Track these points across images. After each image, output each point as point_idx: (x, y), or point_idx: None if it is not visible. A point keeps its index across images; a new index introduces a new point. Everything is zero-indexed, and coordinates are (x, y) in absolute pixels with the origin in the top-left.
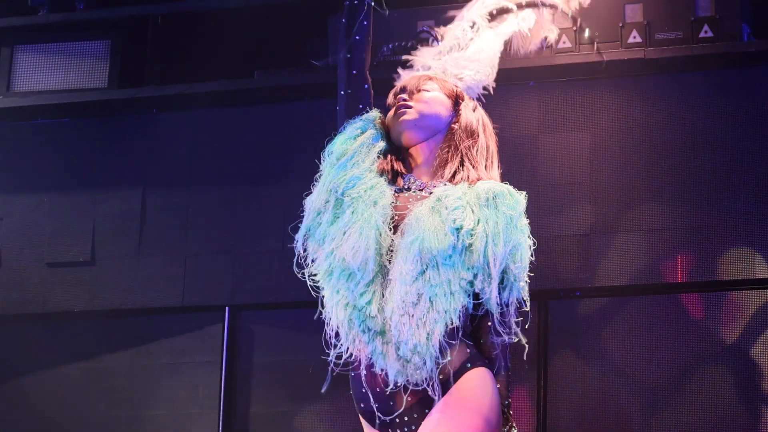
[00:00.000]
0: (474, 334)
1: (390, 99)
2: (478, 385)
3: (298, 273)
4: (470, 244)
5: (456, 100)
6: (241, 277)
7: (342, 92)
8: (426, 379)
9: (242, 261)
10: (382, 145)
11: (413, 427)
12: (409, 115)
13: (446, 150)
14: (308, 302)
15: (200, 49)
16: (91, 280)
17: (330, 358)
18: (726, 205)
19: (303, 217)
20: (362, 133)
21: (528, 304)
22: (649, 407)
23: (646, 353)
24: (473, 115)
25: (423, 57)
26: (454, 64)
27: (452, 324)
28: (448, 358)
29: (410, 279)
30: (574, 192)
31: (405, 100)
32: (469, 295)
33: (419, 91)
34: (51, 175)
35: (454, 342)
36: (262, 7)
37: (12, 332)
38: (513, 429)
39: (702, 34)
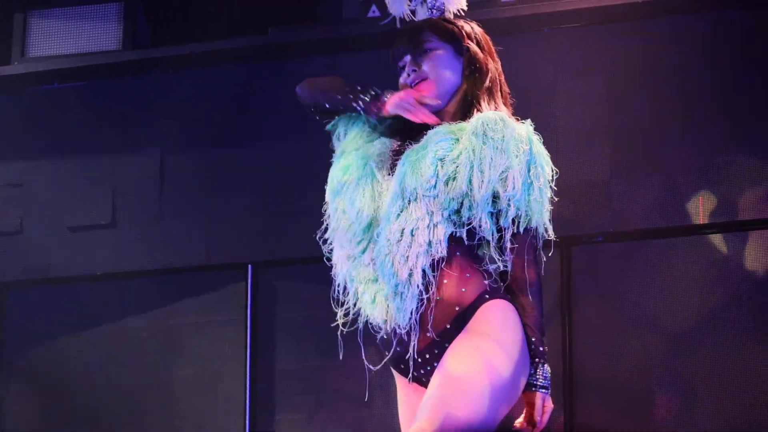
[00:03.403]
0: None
1: (401, 80)
2: (493, 316)
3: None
4: (454, 173)
5: (454, 39)
6: (262, 234)
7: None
8: (406, 323)
9: (263, 218)
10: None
11: (435, 364)
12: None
13: (464, 99)
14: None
15: (212, 7)
16: (112, 243)
17: (338, 317)
18: (746, 144)
19: (320, 173)
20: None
21: (548, 232)
22: (674, 350)
23: (669, 296)
24: (478, 51)
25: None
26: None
27: (438, 254)
28: (434, 293)
29: (393, 216)
30: (593, 137)
31: (411, 70)
32: (459, 225)
33: (421, 52)
34: (69, 139)
35: (436, 274)
36: None
37: (36, 297)
38: (541, 367)
39: None
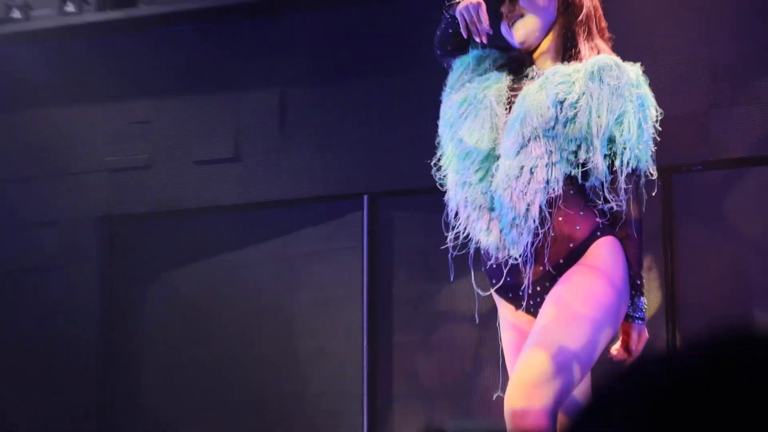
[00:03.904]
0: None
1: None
2: (604, 252)
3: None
4: (574, 116)
5: None
6: (377, 165)
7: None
8: (522, 254)
9: (378, 151)
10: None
11: (544, 296)
12: (512, 30)
13: (560, 35)
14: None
15: None
16: (236, 176)
17: (448, 240)
18: None
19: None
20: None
21: (652, 172)
22: None
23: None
24: None
25: None
26: None
27: (554, 193)
28: (548, 229)
29: (513, 153)
30: (692, 70)
31: (508, 10)
32: (575, 166)
33: None
34: (192, 78)
35: (552, 211)
36: None
37: (166, 228)
38: (638, 299)
39: None
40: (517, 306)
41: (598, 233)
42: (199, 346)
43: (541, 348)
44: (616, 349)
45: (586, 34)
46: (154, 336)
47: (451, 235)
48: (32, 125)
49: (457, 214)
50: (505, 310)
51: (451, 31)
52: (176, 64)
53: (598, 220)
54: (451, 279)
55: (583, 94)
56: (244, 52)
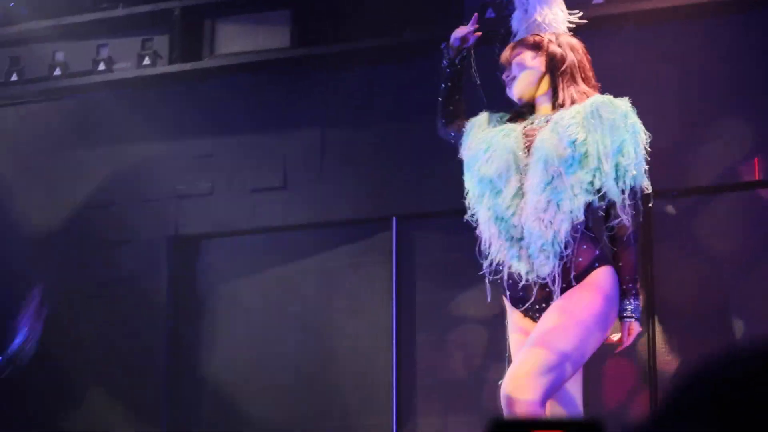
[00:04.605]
0: (605, 223)
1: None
2: (600, 278)
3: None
4: (585, 152)
5: (538, 46)
6: (403, 192)
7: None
8: (550, 273)
9: (403, 180)
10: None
11: (546, 307)
12: (512, 90)
13: (552, 85)
14: (462, 209)
15: (353, 12)
16: (284, 201)
17: (485, 268)
18: None
19: (446, 142)
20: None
21: (647, 187)
22: (742, 288)
23: (731, 243)
24: (557, 47)
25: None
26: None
27: (578, 220)
28: (571, 252)
29: (540, 189)
30: (665, 114)
31: (506, 76)
32: (591, 193)
33: (510, 63)
34: (249, 119)
35: (577, 236)
36: None
37: (224, 246)
38: (633, 301)
39: None
40: (525, 314)
41: (597, 264)
42: (254, 348)
43: (537, 347)
44: (616, 336)
45: (571, 82)
46: (214, 339)
47: (486, 263)
48: (114, 158)
49: (490, 244)
50: (515, 317)
51: (448, 84)
52: (234, 108)
53: (596, 251)
54: (489, 299)
55: (589, 131)
56: (292, 98)
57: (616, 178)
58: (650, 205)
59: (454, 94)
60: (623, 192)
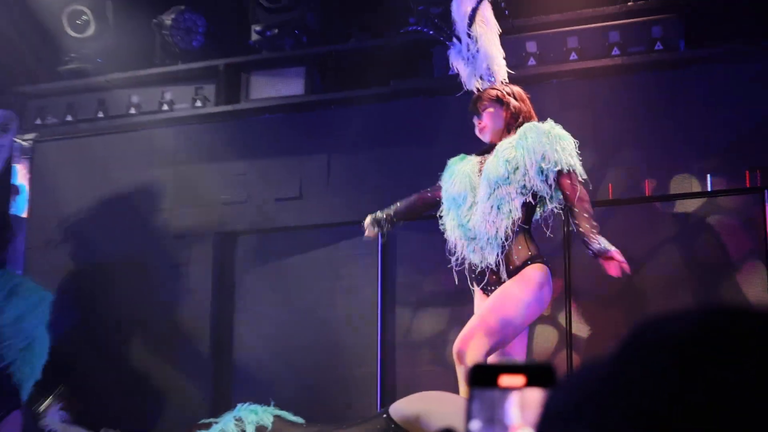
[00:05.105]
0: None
1: (476, 127)
2: (533, 271)
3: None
4: (516, 166)
5: (501, 102)
6: (389, 200)
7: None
8: (495, 260)
9: (389, 192)
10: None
11: (496, 287)
12: (485, 136)
13: (508, 126)
14: (432, 216)
15: (352, 68)
16: (300, 208)
17: (452, 262)
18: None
19: (427, 166)
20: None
21: (582, 174)
22: (634, 277)
23: (632, 243)
24: (515, 101)
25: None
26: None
27: (516, 217)
28: (510, 243)
29: (485, 198)
30: (583, 146)
31: (479, 125)
32: (526, 195)
33: (481, 114)
34: (273, 146)
35: (516, 230)
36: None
37: (256, 241)
38: (597, 242)
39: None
40: (483, 291)
41: (529, 262)
42: (277, 317)
43: (482, 315)
44: (610, 268)
45: (518, 120)
46: (247, 312)
47: (453, 258)
48: (174, 175)
49: (454, 244)
50: (477, 294)
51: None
52: (263, 138)
53: (530, 252)
54: (456, 283)
55: (518, 149)
56: (306, 131)
57: (544, 179)
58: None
59: (412, 217)
60: (551, 187)
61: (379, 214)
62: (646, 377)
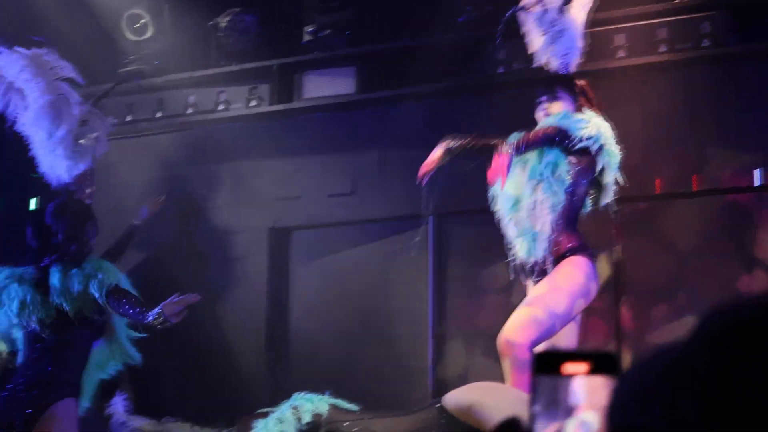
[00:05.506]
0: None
1: (538, 112)
2: (578, 260)
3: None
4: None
5: (579, 94)
6: (441, 195)
7: None
8: (540, 254)
9: (440, 188)
10: None
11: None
12: (542, 120)
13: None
14: (481, 209)
15: (400, 66)
16: (352, 203)
17: (510, 257)
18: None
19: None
20: None
21: (619, 178)
22: (687, 270)
23: (683, 238)
24: (585, 101)
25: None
26: None
27: (560, 210)
28: (554, 238)
29: (528, 195)
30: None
31: (546, 106)
32: (570, 189)
33: (556, 96)
34: (327, 143)
35: (560, 223)
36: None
37: (310, 234)
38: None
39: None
40: (534, 283)
41: (571, 254)
42: (331, 308)
43: (529, 306)
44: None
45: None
46: (302, 303)
47: (504, 252)
48: (230, 172)
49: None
50: (529, 285)
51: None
52: (316, 136)
53: (569, 245)
54: (508, 275)
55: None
56: (357, 129)
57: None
58: (619, 208)
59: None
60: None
61: (453, 143)
62: (716, 361)
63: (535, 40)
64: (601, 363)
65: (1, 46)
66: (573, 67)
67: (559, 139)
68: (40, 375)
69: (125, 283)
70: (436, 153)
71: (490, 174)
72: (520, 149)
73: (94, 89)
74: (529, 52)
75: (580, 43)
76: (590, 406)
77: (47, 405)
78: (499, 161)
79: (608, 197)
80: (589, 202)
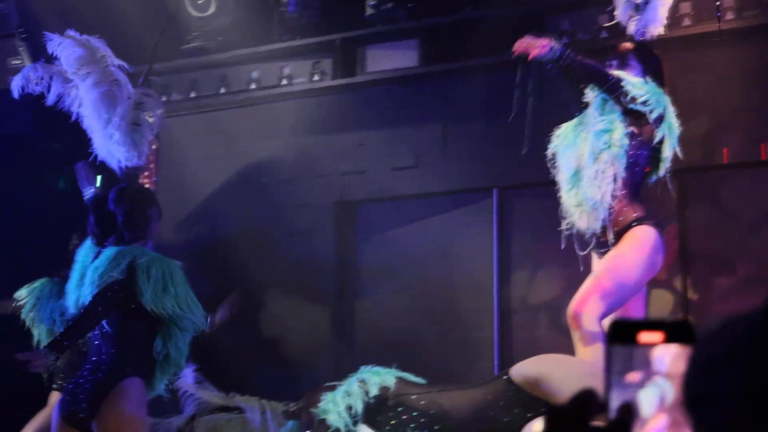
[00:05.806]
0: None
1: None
2: (641, 233)
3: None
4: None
5: (645, 63)
6: (503, 169)
7: None
8: (601, 225)
9: (504, 160)
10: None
11: (606, 253)
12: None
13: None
14: (541, 182)
15: (463, 38)
16: (416, 177)
17: (563, 226)
18: None
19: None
20: None
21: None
22: (753, 241)
23: (750, 209)
24: (651, 72)
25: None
26: None
27: (621, 180)
28: (615, 207)
29: (591, 163)
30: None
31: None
32: (630, 158)
33: (626, 63)
34: (389, 117)
35: (620, 194)
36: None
37: (374, 210)
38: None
39: None
40: (598, 255)
41: (636, 223)
42: (397, 280)
43: (597, 278)
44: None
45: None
46: (369, 283)
47: (564, 223)
48: (294, 147)
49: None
50: (594, 258)
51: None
52: (379, 110)
53: (637, 215)
54: (572, 247)
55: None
56: (420, 102)
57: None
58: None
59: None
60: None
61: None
62: None
63: (619, 4)
64: (676, 332)
65: (55, 34)
66: (651, 36)
67: (613, 84)
68: (100, 359)
69: (179, 275)
70: (545, 41)
71: (519, 43)
72: (566, 56)
73: (158, 67)
74: (615, 8)
75: (664, 13)
76: (666, 375)
77: (112, 386)
78: (539, 41)
79: (667, 168)
80: (650, 173)
